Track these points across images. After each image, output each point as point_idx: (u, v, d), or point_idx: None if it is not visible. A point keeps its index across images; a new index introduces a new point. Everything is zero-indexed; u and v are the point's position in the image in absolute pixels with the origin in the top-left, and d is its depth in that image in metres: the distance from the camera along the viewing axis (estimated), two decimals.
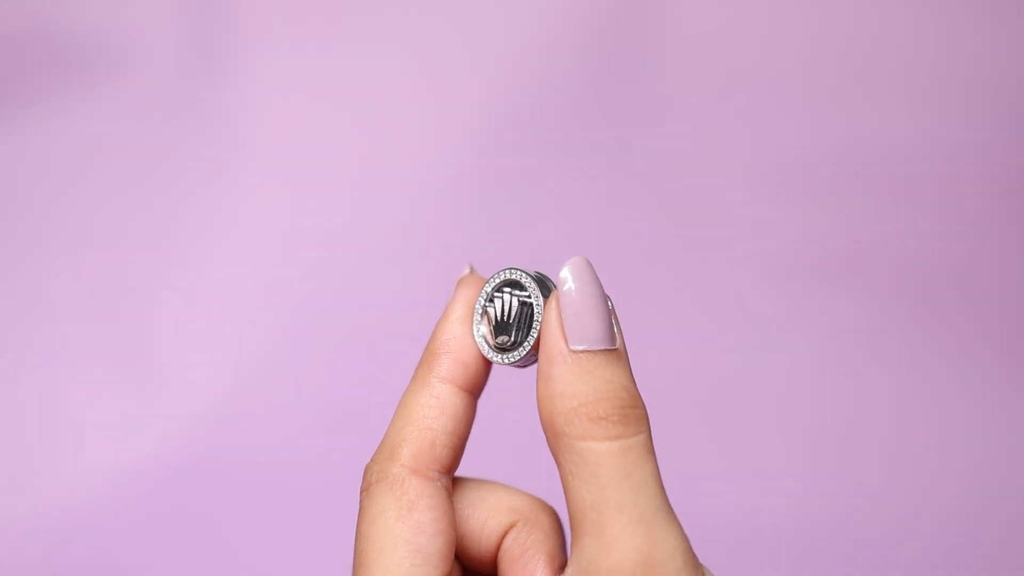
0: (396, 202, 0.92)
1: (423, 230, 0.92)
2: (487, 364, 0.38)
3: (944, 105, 0.93)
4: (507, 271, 0.38)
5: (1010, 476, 0.86)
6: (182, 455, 0.85)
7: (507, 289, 0.38)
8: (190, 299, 0.90)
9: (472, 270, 0.40)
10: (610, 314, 0.36)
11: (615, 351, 0.35)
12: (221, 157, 0.92)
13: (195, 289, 0.90)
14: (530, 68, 0.93)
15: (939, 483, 0.85)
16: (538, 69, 0.93)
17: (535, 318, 0.37)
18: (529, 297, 0.37)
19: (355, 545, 0.36)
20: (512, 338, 0.37)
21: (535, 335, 0.37)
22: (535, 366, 0.37)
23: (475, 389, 0.38)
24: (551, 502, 0.39)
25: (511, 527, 0.38)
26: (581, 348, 0.35)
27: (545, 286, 0.37)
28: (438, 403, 0.37)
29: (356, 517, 0.36)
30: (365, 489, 0.37)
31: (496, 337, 0.37)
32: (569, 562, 0.35)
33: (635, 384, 0.36)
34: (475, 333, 0.38)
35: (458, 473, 0.38)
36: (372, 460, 0.37)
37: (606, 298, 0.36)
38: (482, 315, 0.38)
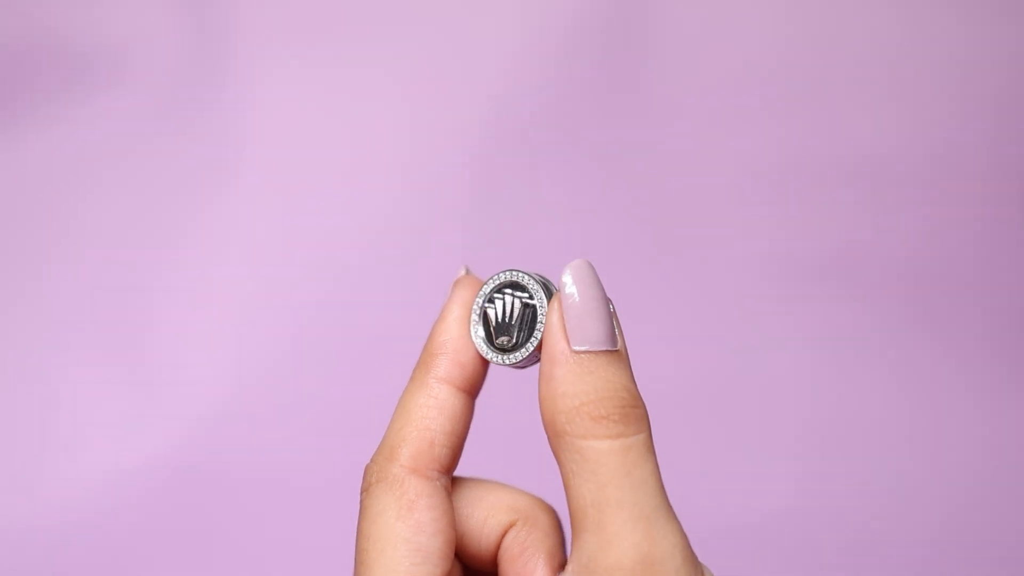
0: (394, 204, 0.93)
1: (420, 232, 0.92)
2: (485, 364, 0.38)
3: (933, 108, 0.93)
4: (508, 272, 0.38)
5: (995, 474, 0.86)
6: (182, 455, 0.85)
7: (508, 290, 0.38)
8: (190, 300, 0.90)
9: (468, 271, 0.40)
10: (611, 316, 0.36)
11: (616, 352, 0.36)
12: (221, 161, 0.92)
13: (195, 290, 0.90)
14: (525, 71, 0.93)
15: (925, 482, 0.86)
16: (533, 72, 0.93)
17: (538, 319, 0.37)
18: (531, 299, 0.37)
19: (356, 545, 0.36)
20: (513, 339, 0.37)
21: (538, 336, 0.37)
22: (534, 367, 0.38)
23: (473, 389, 0.38)
24: (550, 501, 0.39)
25: (511, 526, 0.38)
26: (583, 349, 0.35)
27: (547, 288, 0.37)
28: (436, 403, 0.37)
29: (356, 517, 0.37)
30: (365, 489, 0.37)
31: (496, 338, 0.38)
32: (569, 559, 0.35)
33: (635, 384, 0.36)
34: (473, 334, 0.38)
35: (457, 473, 0.39)
36: (372, 460, 0.37)
37: (608, 300, 0.36)
38: (481, 316, 0.38)
